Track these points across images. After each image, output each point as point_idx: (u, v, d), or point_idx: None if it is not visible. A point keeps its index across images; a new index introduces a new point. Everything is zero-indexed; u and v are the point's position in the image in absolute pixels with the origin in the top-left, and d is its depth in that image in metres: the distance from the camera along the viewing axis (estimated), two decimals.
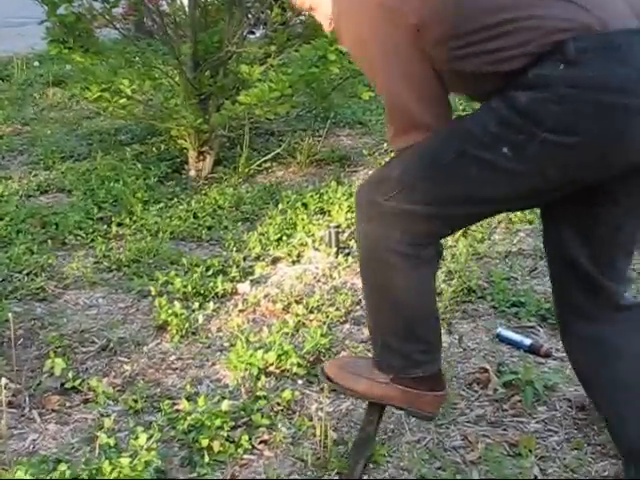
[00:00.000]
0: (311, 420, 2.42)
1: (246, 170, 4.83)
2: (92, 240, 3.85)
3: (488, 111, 1.77)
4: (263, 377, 2.63)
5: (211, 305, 3.13)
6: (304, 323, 3.02)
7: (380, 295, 1.98)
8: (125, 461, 2.10)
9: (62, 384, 2.64)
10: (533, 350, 2.83)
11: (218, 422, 2.33)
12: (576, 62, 1.64)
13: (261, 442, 2.36)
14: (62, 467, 2.10)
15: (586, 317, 1.92)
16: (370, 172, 4.83)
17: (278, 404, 2.52)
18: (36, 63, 8.17)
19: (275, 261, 3.63)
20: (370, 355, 2.76)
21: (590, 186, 1.78)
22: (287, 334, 2.91)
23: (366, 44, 1.82)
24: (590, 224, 1.85)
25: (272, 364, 2.69)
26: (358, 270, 3.46)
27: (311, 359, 2.76)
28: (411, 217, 1.85)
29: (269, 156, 5.01)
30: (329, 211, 4.15)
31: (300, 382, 2.66)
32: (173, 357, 2.85)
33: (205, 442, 2.28)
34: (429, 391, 2.01)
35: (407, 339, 1.97)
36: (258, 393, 2.55)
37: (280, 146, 5.11)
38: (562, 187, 1.78)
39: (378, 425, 2.19)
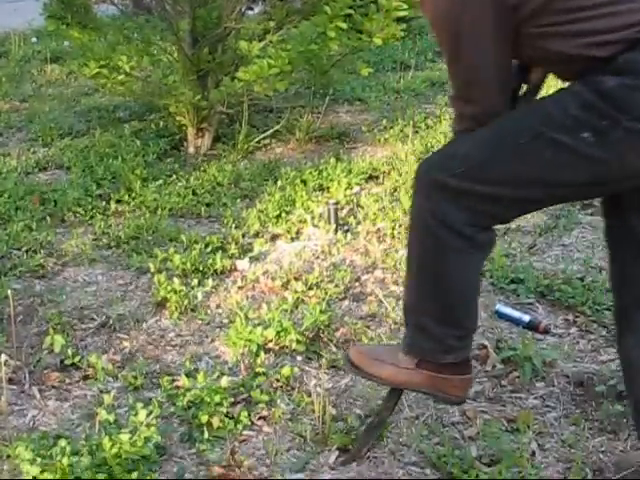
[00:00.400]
0: (310, 396, 2.42)
1: (245, 147, 4.81)
2: (91, 217, 3.85)
3: (569, 94, 1.73)
4: (262, 353, 2.64)
5: (210, 282, 3.13)
6: (303, 300, 3.02)
7: (427, 274, 1.92)
8: (125, 437, 2.10)
9: (62, 361, 2.64)
10: (532, 326, 2.83)
11: (217, 398, 2.34)
12: None
13: (260, 418, 2.37)
14: (62, 443, 2.11)
15: None
16: (369, 148, 4.83)
17: (277, 380, 2.53)
18: (34, 39, 8.14)
19: (274, 238, 3.62)
20: (371, 333, 2.79)
21: None
22: (286, 311, 2.91)
23: (459, 14, 1.74)
24: None
25: (271, 340, 2.70)
26: (357, 247, 3.50)
27: (310, 335, 2.76)
28: (475, 197, 1.79)
29: (268, 133, 4.99)
30: (328, 188, 4.14)
31: (299, 358, 2.67)
32: (172, 334, 2.86)
33: (204, 418, 2.29)
34: (456, 375, 1.98)
35: (445, 322, 1.92)
36: (257, 369, 2.56)
37: (279, 123, 5.09)
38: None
39: (393, 410, 2.19)
